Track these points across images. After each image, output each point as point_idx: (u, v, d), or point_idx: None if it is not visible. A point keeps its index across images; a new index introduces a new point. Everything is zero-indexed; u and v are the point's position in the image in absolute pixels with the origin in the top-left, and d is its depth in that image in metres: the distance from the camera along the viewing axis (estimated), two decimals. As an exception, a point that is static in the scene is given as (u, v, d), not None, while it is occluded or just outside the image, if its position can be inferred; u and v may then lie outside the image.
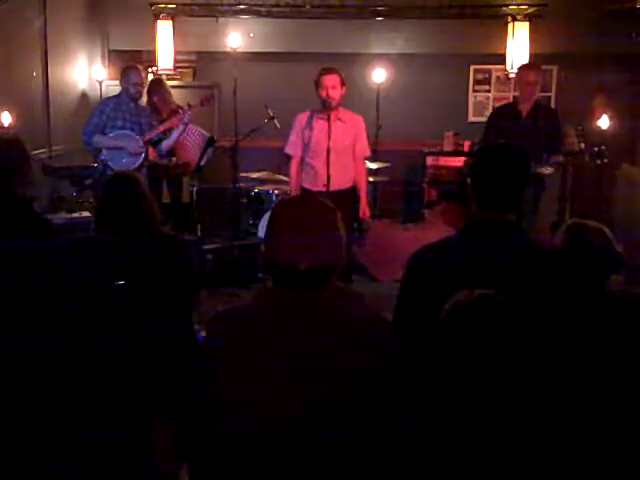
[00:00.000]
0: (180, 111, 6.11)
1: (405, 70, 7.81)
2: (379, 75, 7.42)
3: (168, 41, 7.69)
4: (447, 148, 7.97)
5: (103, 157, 5.55)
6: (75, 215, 5.55)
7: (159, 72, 7.58)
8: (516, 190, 2.25)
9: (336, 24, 7.74)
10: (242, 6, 7.65)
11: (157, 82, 6.73)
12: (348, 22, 7.77)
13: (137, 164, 5.59)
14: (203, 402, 1.89)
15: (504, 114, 5.70)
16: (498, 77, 8.23)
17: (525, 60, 7.46)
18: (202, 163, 6.60)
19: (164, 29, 7.69)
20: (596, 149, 5.28)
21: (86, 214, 5.47)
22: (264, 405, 1.73)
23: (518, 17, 7.65)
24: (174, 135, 5.96)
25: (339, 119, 5.01)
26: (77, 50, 7.64)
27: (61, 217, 5.48)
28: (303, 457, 1.72)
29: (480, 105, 8.29)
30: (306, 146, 5.05)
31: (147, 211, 3.15)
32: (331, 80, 4.93)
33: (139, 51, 7.86)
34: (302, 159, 5.15)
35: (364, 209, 5.29)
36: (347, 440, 1.71)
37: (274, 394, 1.73)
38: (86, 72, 7.85)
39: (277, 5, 7.60)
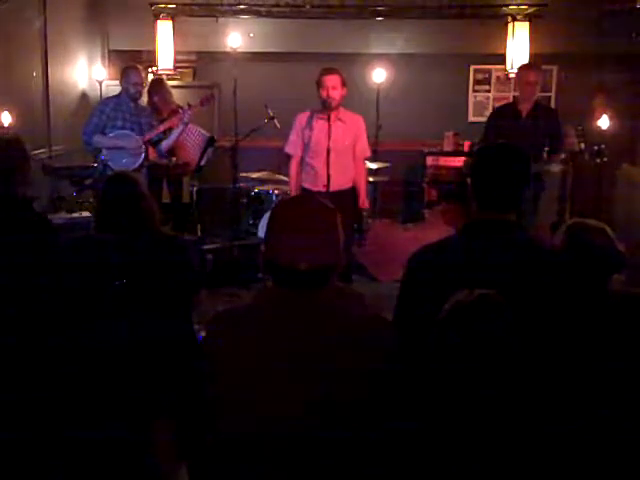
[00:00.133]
0: (180, 111, 6.11)
1: (405, 70, 7.81)
2: (379, 75, 7.42)
3: (168, 41, 7.69)
4: (447, 148, 7.98)
5: (103, 157, 5.56)
6: (75, 215, 5.55)
7: (159, 72, 7.58)
8: (516, 190, 2.25)
9: (336, 24, 7.74)
10: (242, 6, 7.65)
11: (158, 82, 6.73)
12: (348, 22, 7.77)
13: (137, 164, 5.59)
14: (203, 402, 1.90)
15: (504, 114, 5.70)
16: (498, 77, 8.24)
17: (525, 60, 7.46)
18: (202, 163, 6.60)
19: (164, 29, 7.69)
20: (596, 148, 5.28)
21: (86, 214, 5.46)
22: (264, 405, 1.73)
23: (518, 17, 7.65)
24: (174, 135, 5.96)
25: (339, 119, 5.01)
26: (77, 50, 7.64)
27: (61, 217, 5.48)
28: (303, 457, 1.72)
29: (480, 105, 8.29)
30: (306, 146, 5.05)
31: (147, 211, 3.15)
32: (332, 80, 4.93)
33: (139, 51, 7.86)
34: (302, 159, 5.15)
35: (363, 199, 5.27)
36: (347, 440, 1.71)
37: (274, 394, 1.73)
38: (86, 72, 7.85)
39: (277, 5, 7.60)
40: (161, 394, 2.11)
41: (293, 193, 5.23)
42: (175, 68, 7.81)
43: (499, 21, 7.77)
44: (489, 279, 1.96)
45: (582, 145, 5.46)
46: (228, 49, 6.90)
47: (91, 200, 5.84)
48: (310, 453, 1.71)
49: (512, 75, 7.56)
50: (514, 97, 6.17)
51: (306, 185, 5.14)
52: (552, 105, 7.85)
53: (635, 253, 2.63)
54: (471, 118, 8.27)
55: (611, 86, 7.69)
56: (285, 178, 6.28)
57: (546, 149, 5.63)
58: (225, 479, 1.82)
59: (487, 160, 2.33)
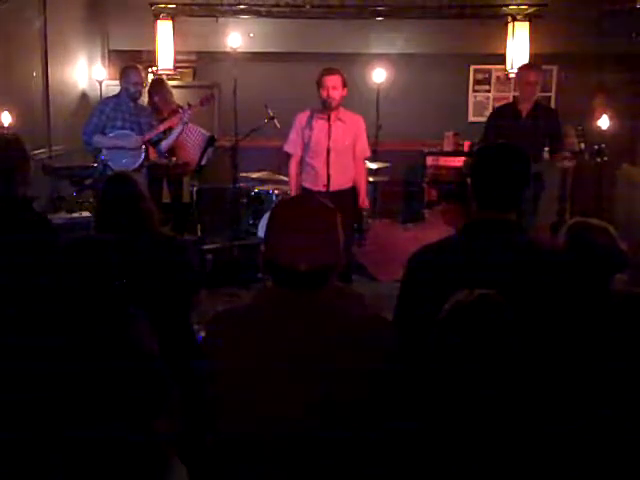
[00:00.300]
0: (180, 111, 6.11)
1: (405, 70, 7.81)
2: (379, 75, 7.42)
3: (168, 41, 7.69)
4: (447, 148, 7.97)
5: (103, 157, 5.55)
6: (75, 215, 5.55)
7: (159, 72, 7.58)
8: (516, 190, 2.25)
9: (336, 24, 7.74)
10: (242, 6, 7.65)
11: (158, 82, 6.73)
12: (348, 22, 7.76)
13: (137, 164, 5.59)
14: (203, 402, 1.90)
15: (504, 114, 5.70)
16: (498, 77, 8.24)
17: (525, 60, 7.45)
18: (203, 162, 6.59)
19: (164, 29, 7.69)
20: (596, 147, 5.28)
21: (86, 214, 5.47)
22: (264, 405, 1.73)
23: (518, 17, 7.65)
24: (173, 134, 5.96)
25: (339, 119, 5.01)
26: (77, 50, 7.64)
27: (61, 217, 5.48)
28: (303, 457, 1.72)
29: (480, 105, 8.29)
30: (306, 146, 5.05)
31: (146, 211, 3.15)
32: (332, 81, 4.93)
33: (139, 51, 7.86)
34: (302, 159, 5.15)
35: (363, 198, 5.27)
36: (347, 440, 1.71)
37: (274, 394, 1.73)
38: (86, 72, 7.85)
39: (277, 5, 7.60)
40: (160, 394, 2.11)
41: (293, 193, 5.23)
42: (175, 68, 7.81)
43: (499, 21, 7.77)
44: (489, 279, 1.96)
45: (582, 145, 5.46)
46: (228, 49, 6.90)
47: (91, 200, 5.84)
48: (310, 453, 1.71)
49: (512, 75, 7.56)
50: (514, 97, 6.16)
51: (306, 185, 5.14)
52: (552, 105, 7.85)
53: (636, 253, 2.61)
54: (471, 118, 8.27)
55: (611, 86, 7.69)
56: (285, 178, 6.28)
57: (546, 149, 5.64)
58: (225, 479, 1.82)
59: (487, 160, 2.33)
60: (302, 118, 5.09)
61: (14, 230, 2.94)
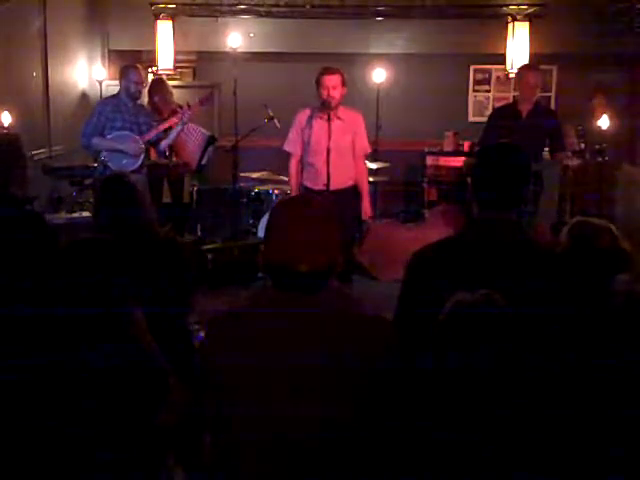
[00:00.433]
0: (179, 111, 6.11)
1: (405, 70, 7.81)
2: (379, 75, 7.42)
3: (168, 41, 7.70)
4: (447, 148, 7.97)
5: (103, 158, 5.54)
6: (75, 215, 5.55)
7: (159, 72, 7.58)
8: (517, 189, 2.26)
9: (336, 24, 7.74)
10: (242, 6, 7.65)
11: (158, 82, 6.71)
12: (348, 22, 7.77)
13: (137, 165, 5.58)
14: (201, 403, 1.90)
15: (504, 114, 5.70)
16: (498, 77, 8.24)
17: (525, 60, 7.46)
18: (203, 162, 6.58)
19: (164, 29, 7.70)
20: (597, 147, 5.29)
21: (86, 214, 5.47)
22: (263, 407, 1.73)
23: (518, 17, 7.65)
24: (173, 134, 5.96)
25: (339, 118, 5.00)
26: (77, 50, 7.64)
27: (61, 217, 5.48)
28: (303, 457, 1.72)
29: (480, 105, 8.29)
30: (306, 145, 5.04)
31: (143, 212, 3.14)
32: (332, 80, 4.92)
33: (139, 51, 7.86)
34: (302, 158, 5.14)
35: (366, 209, 5.28)
36: (347, 440, 1.71)
37: (274, 395, 1.73)
38: (86, 72, 7.85)
39: (277, 5, 7.61)
40: (162, 391, 2.11)
41: (293, 192, 5.22)
42: (175, 68, 7.82)
43: (499, 21, 7.77)
44: (490, 279, 1.96)
45: (582, 145, 5.47)
46: (228, 49, 6.91)
47: (91, 200, 5.84)
48: (310, 453, 1.71)
49: (512, 75, 7.56)
50: (514, 97, 6.17)
51: (306, 184, 5.13)
52: (552, 105, 7.86)
53: (636, 253, 2.60)
54: (471, 118, 8.28)
55: (611, 86, 7.69)
56: (285, 178, 6.28)
57: (546, 149, 5.64)
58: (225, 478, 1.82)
59: (488, 159, 2.33)
60: (302, 117, 5.09)
61: (10, 230, 2.94)
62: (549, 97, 8.04)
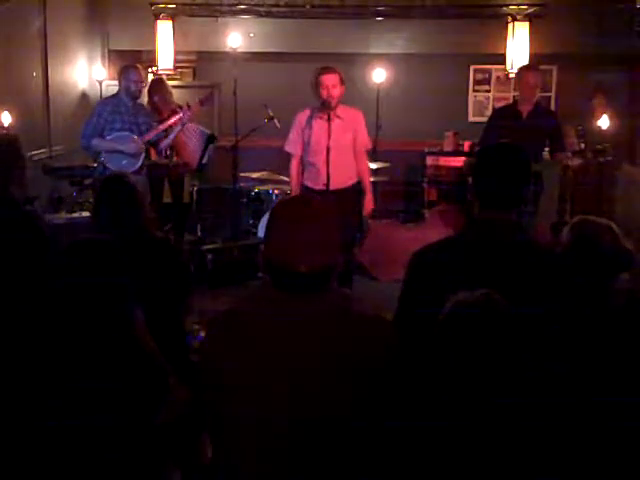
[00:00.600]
0: (179, 111, 6.11)
1: (405, 70, 7.80)
2: (379, 75, 7.42)
3: (168, 41, 7.70)
4: (447, 148, 7.97)
5: (103, 158, 5.54)
6: (75, 215, 5.55)
7: (159, 72, 7.58)
8: (517, 189, 2.26)
9: (336, 24, 7.74)
10: (242, 6, 7.65)
11: (158, 82, 6.71)
12: (348, 22, 7.76)
13: (137, 166, 5.58)
14: (201, 404, 1.90)
15: (504, 115, 5.71)
16: (498, 77, 8.23)
17: (525, 60, 7.46)
18: (204, 161, 6.57)
19: (164, 29, 7.70)
20: (599, 147, 5.29)
21: (86, 214, 5.46)
22: (263, 406, 1.73)
23: (518, 17, 7.65)
24: (172, 135, 5.96)
25: (338, 117, 5.00)
26: (77, 50, 7.64)
27: (61, 217, 5.48)
28: (303, 457, 1.72)
29: (480, 105, 8.29)
30: (306, 145, 5.05)
31: (141, 213, 3.14)
32: (331, 79, 4.92)
33: (139, 51, 7.86)
34: (303, 158, 5.15)
35: (368, 204, 5.27)
36: (347, 440, 1.71)
37: (274, 395, 1.73)
38: (86, 72, 7.85)
39: (277, 5, 7.60)
40: (162, 391, 2.11)
41: (294, 192, 5.22)
42: (175, 68, 7.82)
43: (499, 21, 7.76)
44: (490, 279, 1.96)
45: (582, 145, 5.47)
46: (228, 49, 6.91)
47: (91, 200, 5.83)
48: (310, 453, 1.71)
49: (512, 75, 7.56)
50: (514, 98, 6.17)
51: (307, 183, 5.13)
52: (552, 105, 7.86)
53: (637, 253, 2.60)
54: (471, 118, 8.27)
55: (611, 86, 7.69)
56: (285, 178, 6.28)
57: (546, 149, 5.65)
58: (224, 478, 1.82)
59: (488, 159, 2.33)
60: (302, 117, 5.09)
61: (6, 230, 2.94)
62: (549, 97, 8.03)
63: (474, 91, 8.32)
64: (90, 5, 7.86)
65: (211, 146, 6.54)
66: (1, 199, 3.05)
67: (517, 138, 4.57)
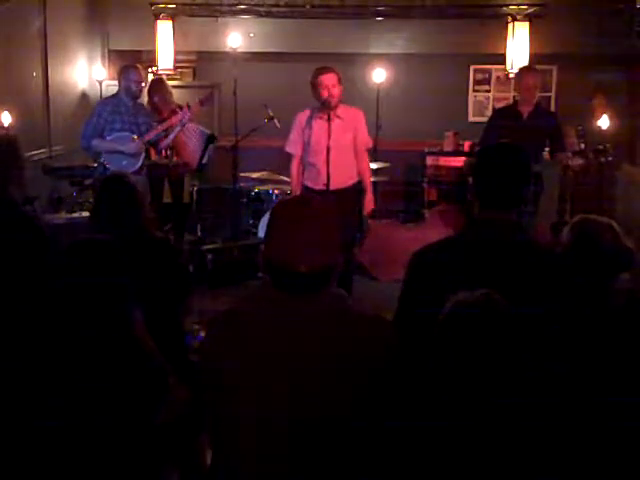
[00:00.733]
0: (179, 111, 6.11)
1: (405, 70, 7.80)
2: (379, 75, 7.42)
3: (168, 41, 7.70)
4: (447, 148, 7.97)
5: (103, 160, 5.54)
6: (75, 215, 5.55)
7: (159, 72, 7.58)
8: (517, 189, 2.26)
9: (336, 24, 7.74)
10: (242, 6, 7.65)
11: (158, 82, 6.71)
12: (348, 22, 7.76)
13: (137, 166, 5.58)
14: (201, 404, 1.89)
15: (505, 115, 5.71)
16: (498, 77, 8.23)
17: (525, 60, 7.46)
18: (204, 161, 6.57)
19: (164, 29, 7.70)
20: (600, 147, 5.28)
21: (86, 214, 5.46)
22: (263, 406, 1.73)
23: (518, 17, 7.64)
24: (172, 134, 5.96)
25: (338, 117, 5.00)
26: (77, 50, 7.64)
27: (61, 217, 5.48)
28: (303, 457, 1.72)
29: (480, 105, 8.29)
30: (306, 145, 5.05)
31: (141, 213, 3.14)
32: (330, 79, 4.93)
33: (139, 51, 7.86)
34: (303, 158, 5.14)
35: (368, 204, 5.27)
36: (347, 440, 1.71)
37: (274, 395, 1.73)
38: (86, 72, 7.85)
39: (277, 5, 7.60)
40: (162, 391, 2.11)
41: (295, 192, 5.22)
42: (175, 68, 7.81)
43: (499, 21, 7.76)
44: (490, 279, 1.96)
45: (582, 145, 5.47)
46: (228, 49, 6.91)
47: (91, 200, 5.83)
48: (310, 453, 1.71)
49: (512, 75, 7.55)
50: (514, 98, 6.17)
51: (308, 184, 5.13)
52: (552, 105, 7.86)
53: (637, 253, 2.59)
54: (471, 118, 8.27)
55: (611, 86, 7.69)
56: (285, 178, 6.28)
57: (546, 149, 5.65)
58: (224, 478, 1.82)
59: (488, 159, 2.33)
60: (302, 118, 5.09)
61: (3, 231, 2.95)
62: (549, 97, 8.03)
63: (474, 91, 8.32)
64: (90, 5, 7.86)
65: (211, 146, 6.54)
66: (0, 199, 3.05)
67: (517, 138, 4.57)
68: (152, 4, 7.60)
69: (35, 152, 6.16)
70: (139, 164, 5.61)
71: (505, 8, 7.68)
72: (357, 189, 5.22)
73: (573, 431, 1.82)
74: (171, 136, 5.96)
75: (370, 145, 5.39)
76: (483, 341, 1.76)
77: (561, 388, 1.89)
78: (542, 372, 1.87)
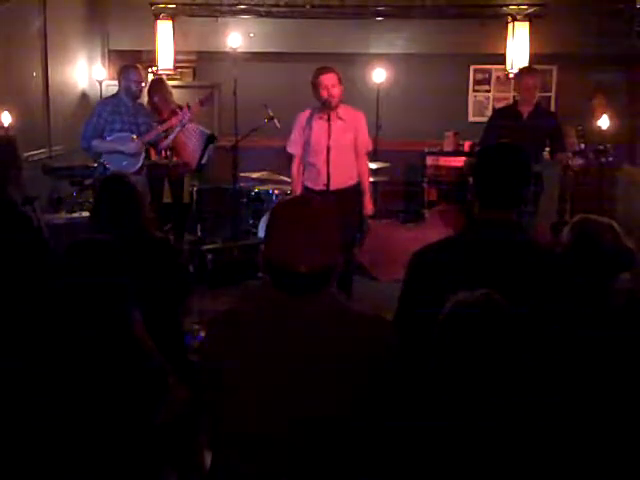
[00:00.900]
0: (179, 111, 6.11)
1: (405, 70, 7.80)
2: (379, 75, 7.42)
3: (168, 41, 7.69)
4: (447, 148, 7.97)
5: (103, 160, 5.54)
6: (75, 215, 5.55)
7: (159, 72, 7.58)
8: (517, 189, 2.26)
9: (336, 24, 7.74)
10: (242, 6, 7.65)
11: (158, 82, 6.72)
12: (348, 22, 7.76)
13: (137, 166, 5.58)
14: (200, 404, 1.89)
15: (505, 115, 5.72)
16: (498, 77, 8.23)
17: (525, 60, 7.46)
18: (203, 161, 6.58)
19: (164, 29, 7.69)
20: (601, 147, 5.28)
21: (86, 214, 5.46)
22: (263, 406, 1.73)
23: (518, 17, 7.64)
24: (172, 135, 5.96)
25: (339, 117, 5.00)
26: (77, 50, 7.64)
27: (61, 217, 5.48)
28: (303, 457, 1.72)
29: (480, 105, 8.29)
30: (307, 145, 5.05)
31: (140, 213, 3.14)
32: (331, 79, 4.93)
33: (139, 51, 7.86)
34: (304, 158, 5.14)
35: (367, 206, 5.28)
36: (347, 439, 1.71)
37: (274, 395, 1.73)
38: (86, 72, 7.84)
39: (277, 5, 7.60)
40: (162, 391, 2.11)
41: (295, 192, 5.22)
42: (175, 68, 7.81)
43: (499, 21, 7.76)
44: (490, 279, 1.96)
45: (582, 145, 5.46)
46: (228, 49, 6.91)
47: (91, 200, 5.83)
48: (310, 453, 1.71)
49: (512, 75, 7.55)
50: (514, 98, 6.17)
51: (308, 184, 5.13)
52: (552, 105, 7.86)
53: (637, 253, 2.59)
54: (471, 118, 8.27)
55: (611, 86, 7.69)
56: (285, 178, 6.28)
57: (546, 149, 5.65)
58: (223, 478, 1.82)
59: (488, 159, 2.33)
60: (302, 118, 5.09)
61: (1, 231, 2.95)
62: (549, 97, 8.03)
63: (474, 91, 8.31)
64: (90, 5, 7.86)
65: (211, 146, 6.54)
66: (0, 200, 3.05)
67: (517, 138, 4.58)
68: (152, 4, 7.60)
69: (35, 152, 6.16)
70: (139, 164, 5.61)
71: (505, 8, 7.68)
72: (357, 189, 5.22)
73: (573, 431, 1.81)
74: (171, 136, 5.96)
75: (370, 148, 5.39)
76: (483, 341, 1.76)
77: (561, 388, 1.89)
78: (542, 372, 1.87)
